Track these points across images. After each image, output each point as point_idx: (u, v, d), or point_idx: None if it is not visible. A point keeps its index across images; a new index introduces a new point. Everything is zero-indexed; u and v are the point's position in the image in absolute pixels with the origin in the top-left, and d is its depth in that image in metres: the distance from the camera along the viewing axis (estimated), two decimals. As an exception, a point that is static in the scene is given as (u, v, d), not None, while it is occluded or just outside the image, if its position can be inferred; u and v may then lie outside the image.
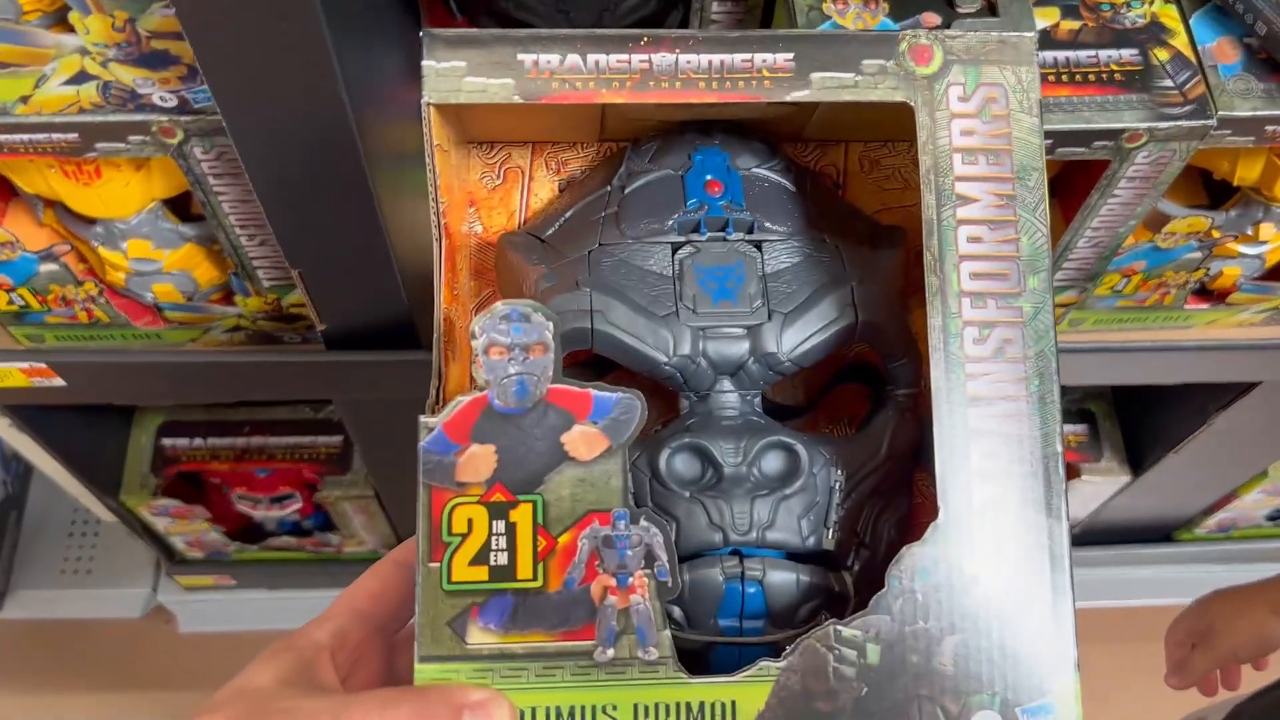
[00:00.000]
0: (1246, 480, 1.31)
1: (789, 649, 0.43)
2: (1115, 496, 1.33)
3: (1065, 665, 0.43)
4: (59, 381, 0.88)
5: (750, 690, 0.42)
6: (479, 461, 0.43)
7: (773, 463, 0.47)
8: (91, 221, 0.80)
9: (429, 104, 0.46)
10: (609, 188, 0.51)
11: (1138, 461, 1.29)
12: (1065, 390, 1.02)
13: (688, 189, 0.50)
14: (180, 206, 0.81)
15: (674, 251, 0.49)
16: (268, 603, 1.40)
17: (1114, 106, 0.68)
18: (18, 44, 0.68)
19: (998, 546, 0.44)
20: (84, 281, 0.85)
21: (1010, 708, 0.43)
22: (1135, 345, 0.93)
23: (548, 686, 0.42)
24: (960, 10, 0.64)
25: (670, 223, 0.50)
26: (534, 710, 0.42)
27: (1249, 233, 0.83)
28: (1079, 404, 1.33)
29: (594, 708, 0.42)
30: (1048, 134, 0.65)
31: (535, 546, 0.42)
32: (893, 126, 0.49)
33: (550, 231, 0.51)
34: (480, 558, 0.42)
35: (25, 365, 0.87)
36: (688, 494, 0.46)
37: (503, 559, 0.42)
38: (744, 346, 0.48)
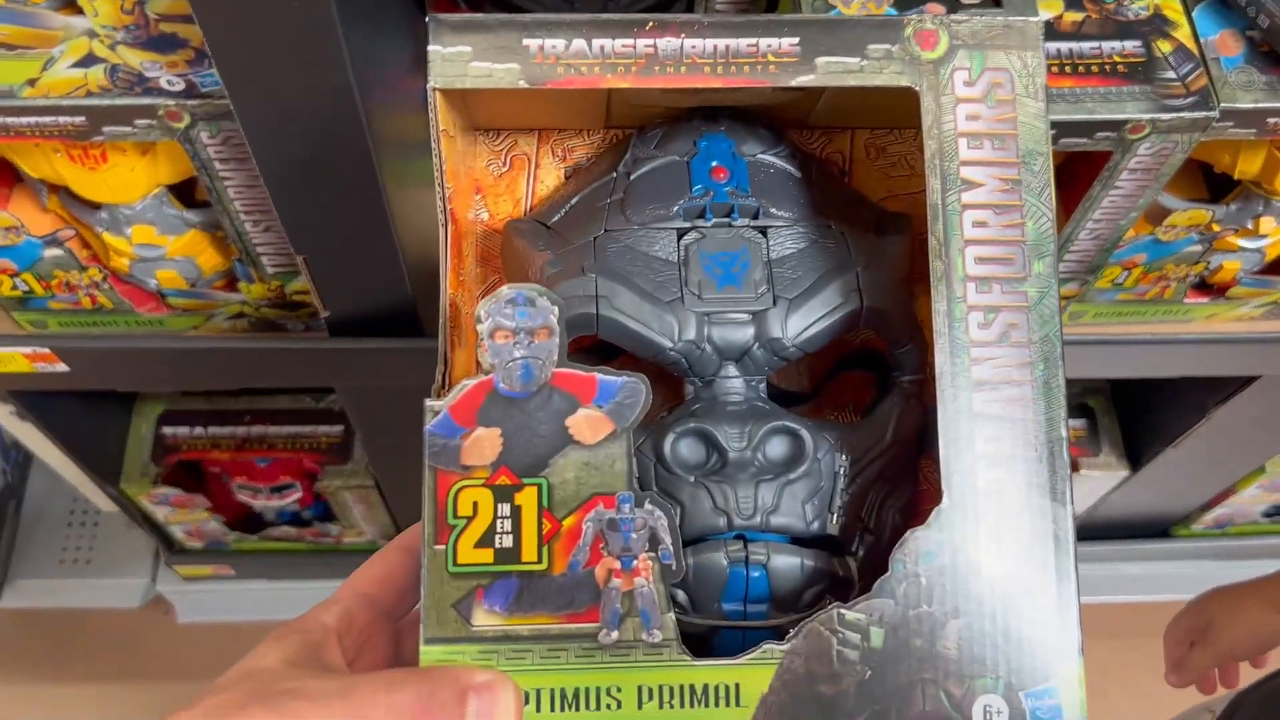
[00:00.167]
0: (1244, 475, 1.31)
1: (792, 632, 0.43)
2: (1113, 491, 1.33)
3: (1069, 649, 0.43)
4: (62, 367, 0.88)
5: (754, 673, 0.42)
6: (484, 445, 0.43)
7: (777, 448, 0.47)
8: (96, 207, 0.80)
9: (435, 89, 0.46)
10: (615, 174, 0.51)
11: (1136, 456, 1.29)
12: (1066, 382, 1.03)
13: (693, 175, 0.50)
14: (184, 193, 0.81)
15: (679, 237, 0.49)
16: (266, 593, 1.40)
17: (1116, 98, 0.68)
18: (26, 26, 0.68)
19: (1002, 530, 0.44)
20: (88, 267, 0.85)
21: (1014, 691, 0.43)
22: (1135, 338, 0.94)
23: (552, 668, 0.42)
24: (965, 2, 0.64)
25: (676, 209, 0.50)
26: (538, 692, 0.42)
27: (1249, 226, 0.83)
28: (1078, 399, 1.33)
29: (598, 689, 0.42)
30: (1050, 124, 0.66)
31: (540, 529, 0.42)
32: (899, 113, 0.49)
33: (556, 218, 0.51)
34: (485, 540, 0.42)
35: (28, 350, 0.87)
36: (692, 478, 0.46)
37: (508, 541, 0.42)
38: (749, 332, 0.48)
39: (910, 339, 0.50)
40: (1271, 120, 0.70)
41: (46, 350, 0.87)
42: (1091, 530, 1.43)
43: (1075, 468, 1.30)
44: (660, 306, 0.47)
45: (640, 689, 0.42)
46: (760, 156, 0.51)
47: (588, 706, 0.42)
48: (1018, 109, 0.46)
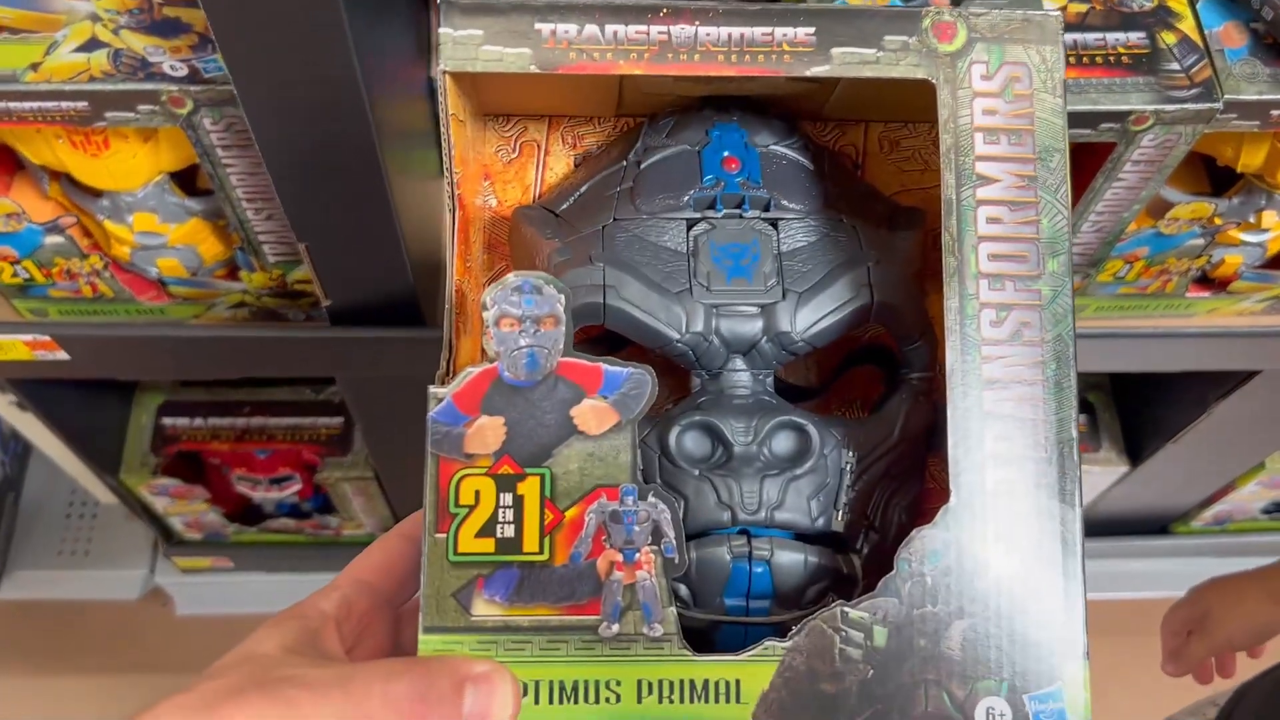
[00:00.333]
0: (1244, 472, 1.31)
1: (795, 629, 0.42)
2: (1113, 487, 1.33)
3: (1075, 652, 0.43)
4: (62, 355, 0.88)
5: (755, 670, 0.42)
6: (488, 433, 0.42)
7: (783, 443, 0.47)
8: (97, 194, 0.79)
9: (445, 72, 0.45)
10: (625, 162, 0.51)
11: (1136, 452, 1.29)
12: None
13: (704, 165, 0.50)
14: (186, 182, 0.81)
15: (689, 228, 0.49)
16: (265, 585, 1.40)
17: (1120, 89, 0.68)
18: (29, 9, 0.68)
19: (1009, 531, 0.43)
20: (89, 255, 0.84)
21: (1018, 694, 0.42)
22: (1136, 332, 0.93)
23: (551, 660, 0.41)
24: None
25: (686, 199, 0.49)
26: (537, 684, 0.41)
27: (1251, 220, 0.83)
28: (1078, 394, 1.32)
29: (597, 683, 0.41)
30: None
31: (542, 520, 0.42)
32: (913, 107, 0.49)
33: (565, 206, 0.51)
34: (487, 530, 0.42)
35: (29, 338, 0.86)
36: (697, 472, 0.46)
37: (509, 531, 0.42)
38: (757, 325, 0.47)
39: (920, 335, 0.49)
40: (1275, 112, 0.70)
41: (47, 338, 0.86)
42: (1091, 526, 1.41)
43: (1076, 464, 1.29)
44: (668, 297, 0.47)
45: (640, 683, 0.42)
46: (773, 147, 0.51)
47: (587, 699, 0.41)
48: (1035, 104, 0.46)
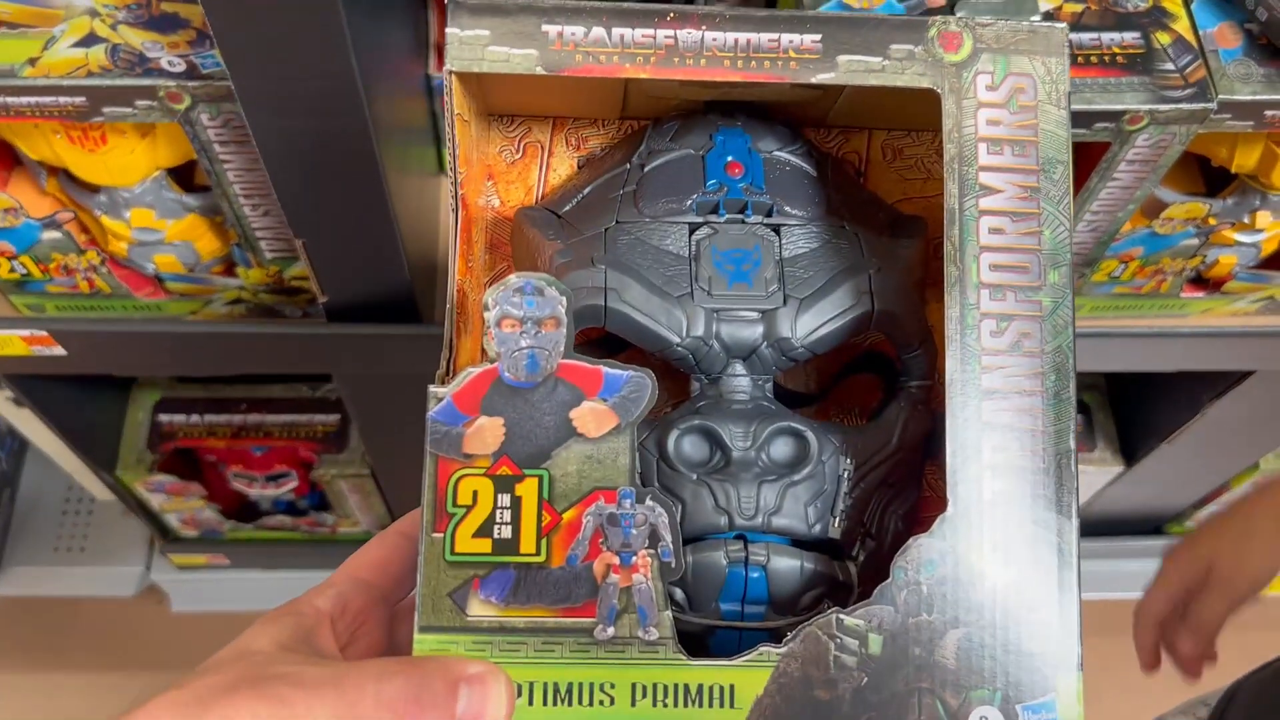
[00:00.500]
0: (1239, 472, 1.32)
1: (790, 635, 0.42)
2: (1108, 487, 1.33)
3: (1069, 663, 0.43)
4: (59, 350, 0.88)
5: (750, 675, 0.42)
6: (487, 434, 0.42)
7: (782, 448, 0.47)
8: (95, 189, 0.79)
9: (451, 72, 0.45)
10: (628, 165, 0.51)
11: (1131, 452, 1.29)
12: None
13: (708, 170, 0.50)
14: (183, 178, 0.81)
15: (691, 232, 0.49)
16: (261, 583, 1.39)
17: (1115, 88, 0.69)
18: (28, 4, 0.67)
19: (1006, 541, 0.43)
20: (86, 250, 0.84)
21: (1011, 704, 0.42)
22: (1131, 331, 0.94)
23: (546, 662, 0.41)
24: None
25: (689, 203, 0.49)
26: (531, 685, 0.41)
27: (1246, 220, 0.83)
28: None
29: (592, 685, 0.41)
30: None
31: (540, 521, 0.42)
32: (917, 115, 0.49)
33: (568, 208, 0.51)
34: (484, 530, 0.42)
35: (26, 333, 0.86)
36: (695, 476, 0.46)
37: (506, 532, 0.42)
38: (758, 330, 0.47)
39: (920, 344, 0.49)
40: (1269, 113, 0.70)
41: (44, 333, 0.86)
42: (1085, 526, 1.41)
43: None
44: (669, 301, 0.47)
45: (634, 686, 0.41)
46: (776, 153, 0.51)
47: (580, 702, 0.41)
48: (1040, 116, 0.46)
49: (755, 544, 0.45)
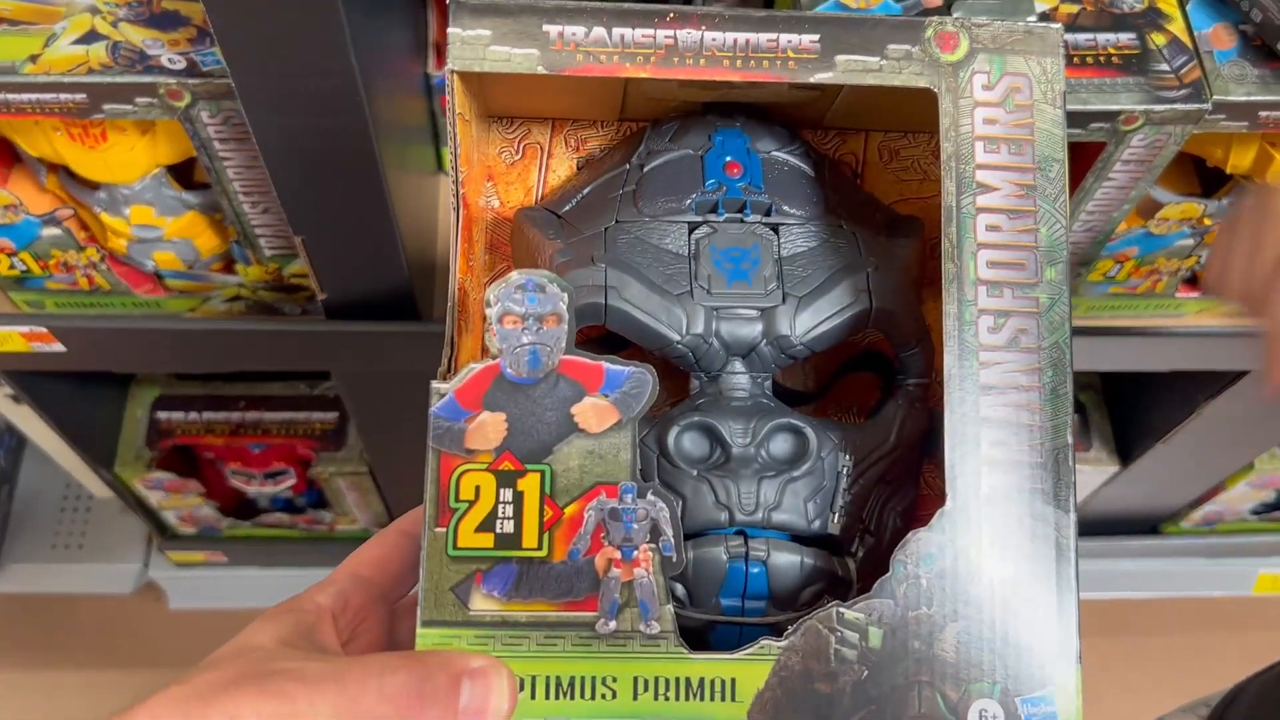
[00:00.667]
0: (1234, 472, 1.32)
1: (791, 629, 0.43)
2: (1103, 487, 1.33)
3: (1067, 657, 0.43)
4: (58, 347, 0.88)
5: (750, 668, 0.42)
6: (489, 429, 0.43)
7: (781, 445, 0.47)
8: (95, 187, 0.79)
9: (452, 71, 0.45)
10: (628, 166, 0.51)
11: (1126, 452, 1.29)
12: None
13: (707, 169, 0.50)
14: (183, 176, 0.81)
15: (690, 231, 0.49)
16: (259, 580, 1.39)
17: (1110, 89, 0.69)
18: (29, 1, 0.68)
19: (1004, 535, 0.44)
20: (85, 247, 0.85)
21: (1010, 697, 0.43)
22: (1126, 330, 0.94)
23: (548, 656, 0.42)
24: None
25: (688, 202, 0.49)
26: (533, 679, 0.42)
27: (1240, 221, 0.84)
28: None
29: (594, 679, 0.42)
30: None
31: (542, 516, 0.42)
32: (914, 117, 0.49)
33: (568, 208, 0.51)
34: (486, 525, 0.42)
35: (25, 329, 0.86)
36: (695, 472, 0.46)
37: (509, 527, 0.42)
38: (757, 328, 0.47)
39: (918, 342, 0.50)
40: (1263, 113, 0.71)
41: (43, 330, 0.86)
42: (1081, 526, 1.41)
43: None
44: (669, 299, 0.47)
45: (636, 680, 0.42)
46: (774, 153, 0.51)
47: (583, 695, 0.42)
48: (1035, 115, 0.46)
49: (755, 539, 0.46)
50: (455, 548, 0.42)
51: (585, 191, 0.51)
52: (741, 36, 0.46)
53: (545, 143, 0.54)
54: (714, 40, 0.46)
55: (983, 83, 0.46)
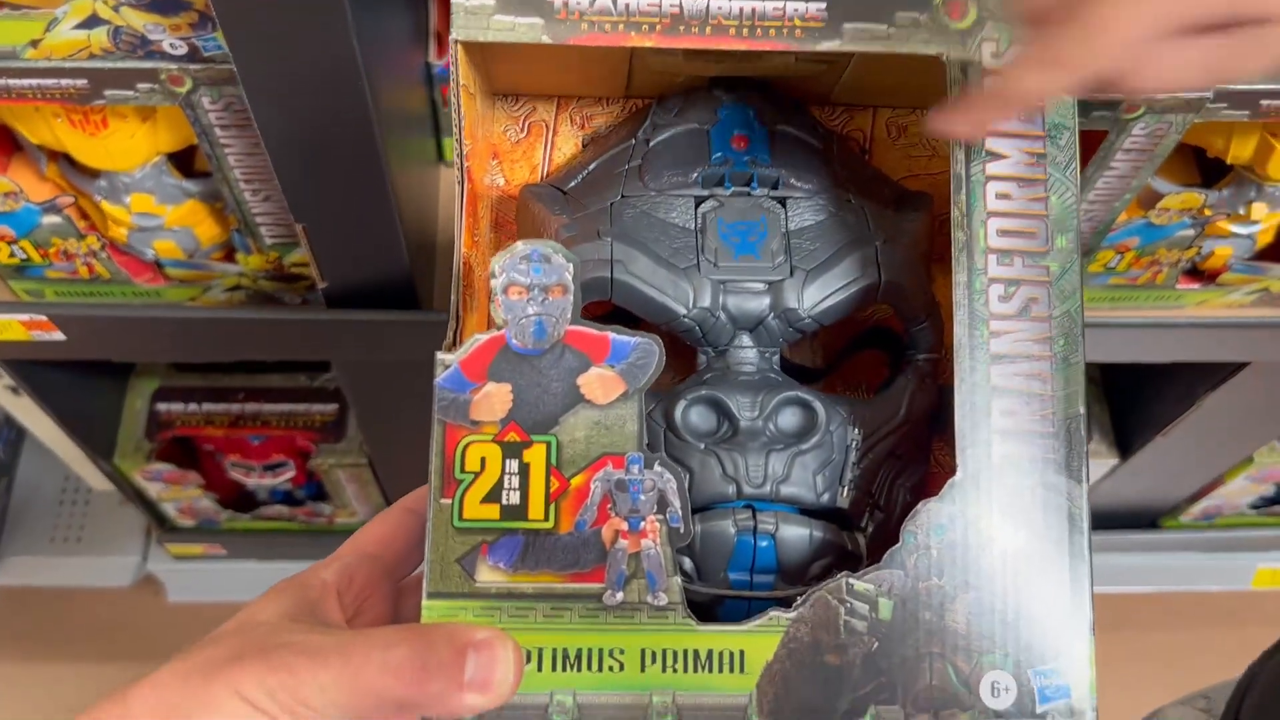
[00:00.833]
0: (1233, 465, 1.32)
1: (800, 600, 0.42)
2: (1103, 480, 1.33)
3: (1080, 628, 0.43)
4: (58, 335, 0.88)
5: (759, 640, 0.42)
6: (494, 400, 0.42)
7: (789, 419, 0.47)
8: (95, 174, 0.79)
9: (457, 41, 0.45)
10: (633, 141, 0.51)
11: (1126, 445, 1.29)
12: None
13: (713, 143, 0.50)
14: (183, 164, 0.80)
15: (697, 205, 0.49)
16: (258, 573, 1.39)
17: (1113, 75, 0.69)
18: (31, -15, 0.67)
19: (1015, 506, 0.43)
20: (86, 236, 0.84)
21: (1022, 669, 0.42)
22: (1126, 322, 0.94)
23: (555, 628, 0.41)
24: None
25: (694, 176, 0.49)
26: (540, 651, 0.41)
27: (1241, 212, 0.83)
28: (1073, 381, 1.33)
29: (601, 650, 0.41)
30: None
31: (548, 487, 0.42)
32: (922, 92, 0.49)
33: (573, 184, 0.51)
34: (492, 496, 0.42)
35: (25, 318, 0.86)
36: (702, 446, 0.46)
37: (515, 498, 0.42)
38: (765, 301, 0.47)
39: (927, 316, 0.49)
40: (1265, 102, 0.70)
41: (43, 318, 0.86)
42: (1080, 520, 1.42)
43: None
44: (675, 273, 0.47)
45: (644, 652, 0.41)
46: (781, 127, 0.51)
47: (590, 667, 0.41)
48: None
49: (764, 513, 0.45)
50: (461, 519, 0.42)
51: (591, 167, 0.51)
52: (748, 5, 0.45)
53: (550, 120, 0.54)
54: (720, 9, 0.45)
55: (992, 50, 0.46)
